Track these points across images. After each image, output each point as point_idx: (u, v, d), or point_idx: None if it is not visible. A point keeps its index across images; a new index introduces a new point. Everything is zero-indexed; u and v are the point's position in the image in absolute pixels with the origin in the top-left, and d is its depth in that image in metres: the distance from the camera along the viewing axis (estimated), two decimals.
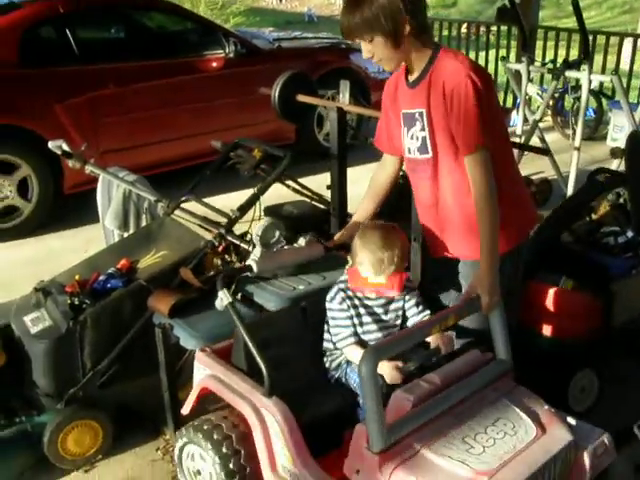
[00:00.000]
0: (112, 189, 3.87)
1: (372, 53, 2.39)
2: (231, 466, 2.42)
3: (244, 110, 6.18)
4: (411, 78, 2.49)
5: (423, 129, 2.46)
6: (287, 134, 6.57)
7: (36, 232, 5.36)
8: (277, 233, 3.10)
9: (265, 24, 16.45)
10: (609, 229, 3.41)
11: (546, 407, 2.26)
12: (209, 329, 2.86)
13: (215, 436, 2.46)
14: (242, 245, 3.14)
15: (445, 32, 9.42)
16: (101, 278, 3.22)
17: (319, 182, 4.28)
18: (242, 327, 2.39)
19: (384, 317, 2.60)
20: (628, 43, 8.14)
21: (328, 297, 2.61)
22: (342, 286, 2.58)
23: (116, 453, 3.10)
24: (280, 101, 3.89)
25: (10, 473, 2.93)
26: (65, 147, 3.72)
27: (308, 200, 4.20)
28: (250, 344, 2.37)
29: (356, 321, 2.55)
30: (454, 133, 2.38)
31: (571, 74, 5.33)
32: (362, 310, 2.57)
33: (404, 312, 2.62)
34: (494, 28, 9.62)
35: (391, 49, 2.35)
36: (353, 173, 4.17)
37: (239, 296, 3.06)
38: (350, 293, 2.56)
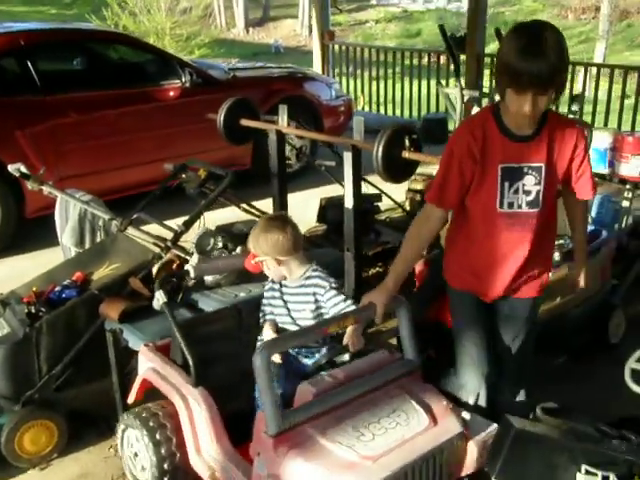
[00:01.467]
0: (69, 209, 4.11)
1: (536, 105, 2.34)
2: (163, 452, 2.68)
3: (200, 137, 6.42)
4: (520, 132, 2.46)
5: (539, 183, 2.49)
6: (243, 159, 6.85)
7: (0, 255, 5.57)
8: (212, 241, 3.38)
9: (231, 55, 16.85)
10: None
11: (444, 402, 2.46)
12: (156, 332, 3.10)
13: (151, 423, 2.72)
14: (184, 256, 3.41)
15: (407, 61, 9.77)
16: (57, 289, 3.47)
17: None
18: (173, 323, 2.68)
19: (290, 305, 2.87)
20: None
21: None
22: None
23: (71, 451, 3.32)
24: (225, 125, 4.18)
25: None
26: (23, 169, 3.99)
27: (257, 219, 4.48)
28: (179, 338, 2.65)
29: (272, 303, 2.92)
30: (579, 182, 2.58)
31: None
32: (277, 294, 2.90)
33: (317, 305, 2.83)
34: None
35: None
36: (304, 196, 4.47)
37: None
38: (274, 285, 2.92)
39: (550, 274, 2.81)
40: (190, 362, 2.61)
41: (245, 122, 4.21)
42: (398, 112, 10.08)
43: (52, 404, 3.31)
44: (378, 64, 10.09)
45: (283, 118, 4.04)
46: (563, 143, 2.48)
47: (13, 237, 5.70)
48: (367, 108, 10.33)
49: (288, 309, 2.90)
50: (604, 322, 3.97)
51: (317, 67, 10.28)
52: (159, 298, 2.79)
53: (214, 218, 4.53)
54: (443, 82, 8.67)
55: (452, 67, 9.24)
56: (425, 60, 9.70)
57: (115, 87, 6.27)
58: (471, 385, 2.78)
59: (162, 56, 6.75)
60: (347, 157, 3.47)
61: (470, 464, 2.37)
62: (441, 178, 2.55)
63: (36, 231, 5.73)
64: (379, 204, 5.47)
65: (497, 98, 2.53)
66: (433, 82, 9.43)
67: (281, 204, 4.13)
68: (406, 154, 3.30)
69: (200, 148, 6.31)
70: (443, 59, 10.18)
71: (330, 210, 5.24)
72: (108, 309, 3.27)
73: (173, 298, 3.44)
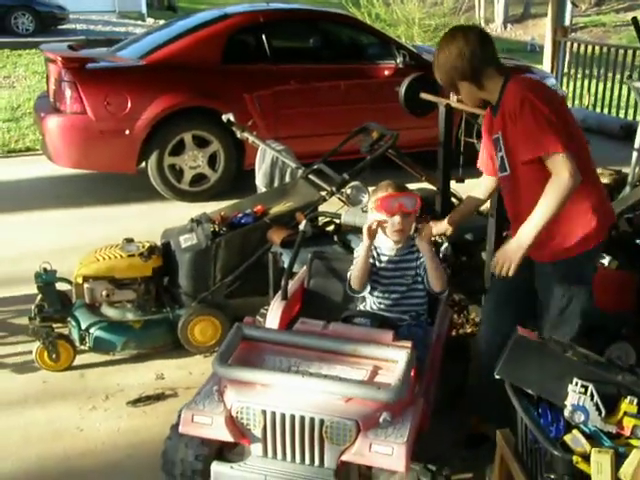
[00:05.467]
0: (266, 156, 4.84)
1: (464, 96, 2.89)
2: None
3: (405, 115, 6.93)
4: (494, 110, 2.85)
5: (501, 150, 2.82)
6: None
7: (218, 197, 6.44)
8: (365, 195, 3.86)
9: None
10: None
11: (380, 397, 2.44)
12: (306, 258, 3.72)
13: None
14: (343, 200, 3.98)
15: None
16: (239, 215, 4.20)
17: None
18: (296, 245, 3.31)
19: (392, 273, 3.13)
20: None
21: None
22: None
23: None
24: (405, 97, 4.68)
25: (155, 344, 4.00)
26: (231, 118, 4.78)
27: (431, 187, 4.93)
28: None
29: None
30: (526, 146, 2.64)
31: None
32: (376, 262, 3.15)
33: (417, 272, 3.11)
34: None
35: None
36: None
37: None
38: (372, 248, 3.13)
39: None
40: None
41: (423, 95, 4.67)
42: (622, 114, 9.81)
43: (221, 307, 4.05)
44: (608, 63, 9.81)
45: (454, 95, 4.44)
46: (508, 108, 2.69)
47: (231, 184, 6.63)
48: (592, 107, 10.17)
49: (388, 277, 3.15)
50: None
51: (547, 63, 10.32)
52: (302, 225, 3.38)
53: None
54: (635, 76, 8.30)
55: None
56: None
57: (335, 62, 7.02)
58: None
59: (381, 37, 7.37)
60: None
61: (355, 454, 2.43)
62: (481, 149, 3.14)
63: (250, 181, 6.62)
64: None
65: None
66: None
67: (444, 175, 4.53)
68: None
69: (407, 125, 6.71)
70: None
71: None
72: (273, 235, 3.95)
73: (328, 234, 4.07)
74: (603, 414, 1.97)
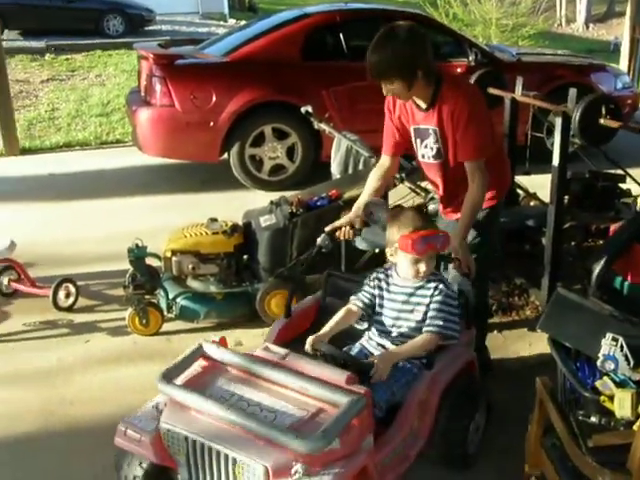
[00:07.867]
0: (341, 145, 5.15)
1: (391, 91, 3.16)
2: None
3: None
4: (422, 104, 3.22)
5: (437, 142, 3.25)
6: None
7: (296, 187, 6.77)
8: (383, 213, 3.90)
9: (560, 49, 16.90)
10: None
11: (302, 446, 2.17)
12: (370, 240, 4.03)
13: None
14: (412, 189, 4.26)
15: None
16: (315, 198, 4.53)
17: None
18: None
19: (402, 306, 2.92)
20: None
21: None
22: (380, 270, 3.08)
23: None
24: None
25: (234, 315, 4.38)
26: (309, 110, 5.11)
27: None
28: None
29: (377, 300, 3.00)
30: (459, 144, 3.16)
31: None
32: (385, 293, 2.98)
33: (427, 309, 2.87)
34: None
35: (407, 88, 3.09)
36: None
37: None
38: (381, 276, 3.03)
39: None
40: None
41: (491, 90, 4.90)
42: None
43: (296, 282, 4.37)
44: None
45: (519, 89, 4.66)
46: (446, 110, 3.13)
47: (307, 175, 6.96)
48: None
49: (398, 309, 2.94)
50: None
51: (624, 61, 10.32)
52: (319, 241, 3.47)
53: None
54: None
55: None
56: None
57: None
58: None
59: (454, 36, 7.61)
60: (558, 122, 4.02)
61: None
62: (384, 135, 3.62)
63: (327, 172, 6.94)
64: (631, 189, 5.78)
65: None
66: None
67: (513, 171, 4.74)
68: (602, 121, 3.79)
69: None
70: None
71: (574, 183, 5.70)
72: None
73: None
74: (632, 364, 2.20)
